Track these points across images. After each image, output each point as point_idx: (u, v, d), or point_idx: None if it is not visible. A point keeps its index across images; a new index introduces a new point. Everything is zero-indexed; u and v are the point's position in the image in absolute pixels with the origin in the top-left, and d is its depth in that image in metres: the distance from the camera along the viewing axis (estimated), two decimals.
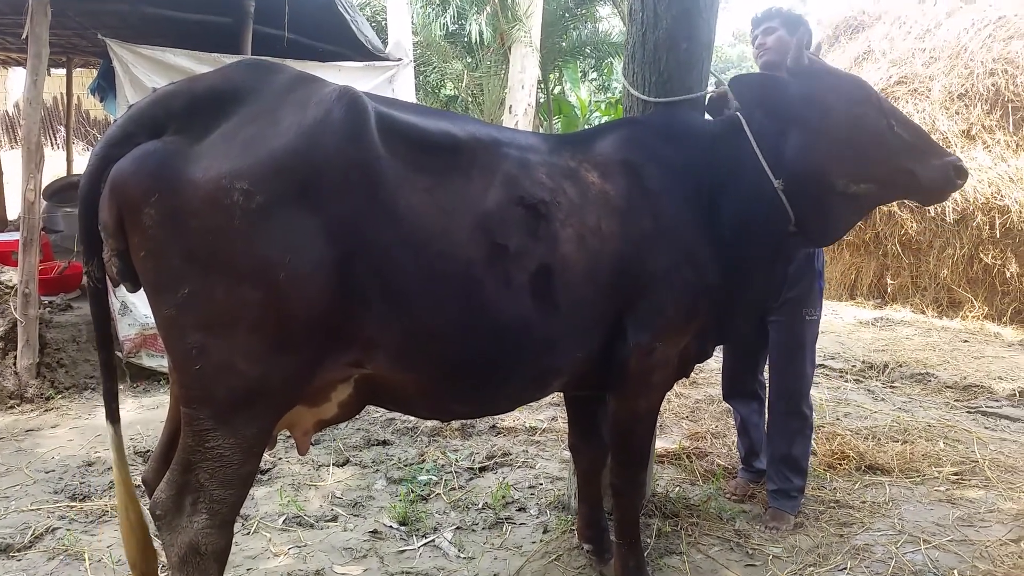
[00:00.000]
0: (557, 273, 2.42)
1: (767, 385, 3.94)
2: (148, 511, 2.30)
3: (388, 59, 7.19)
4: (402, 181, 2.21)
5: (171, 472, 2.22)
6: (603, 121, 13.01)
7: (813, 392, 5.31)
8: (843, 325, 8.00)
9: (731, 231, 2.72)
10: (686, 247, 2.67)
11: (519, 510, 3.74)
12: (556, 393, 5.15)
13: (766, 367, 4.02)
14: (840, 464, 4.25)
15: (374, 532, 3.50)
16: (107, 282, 2.21)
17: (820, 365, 6.38)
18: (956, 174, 2.71)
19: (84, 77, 12.87)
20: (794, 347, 3.63)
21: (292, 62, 5.87)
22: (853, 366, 6.38)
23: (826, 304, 8.86)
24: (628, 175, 2.66)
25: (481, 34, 13.92)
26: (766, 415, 3.92)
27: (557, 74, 18.32)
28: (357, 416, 4.72)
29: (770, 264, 2.89)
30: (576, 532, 3.36)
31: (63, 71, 10.51)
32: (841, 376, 6.15)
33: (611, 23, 18.33)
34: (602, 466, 3.23)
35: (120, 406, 4.93)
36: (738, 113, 2.82)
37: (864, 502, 3.85)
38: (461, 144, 2.39)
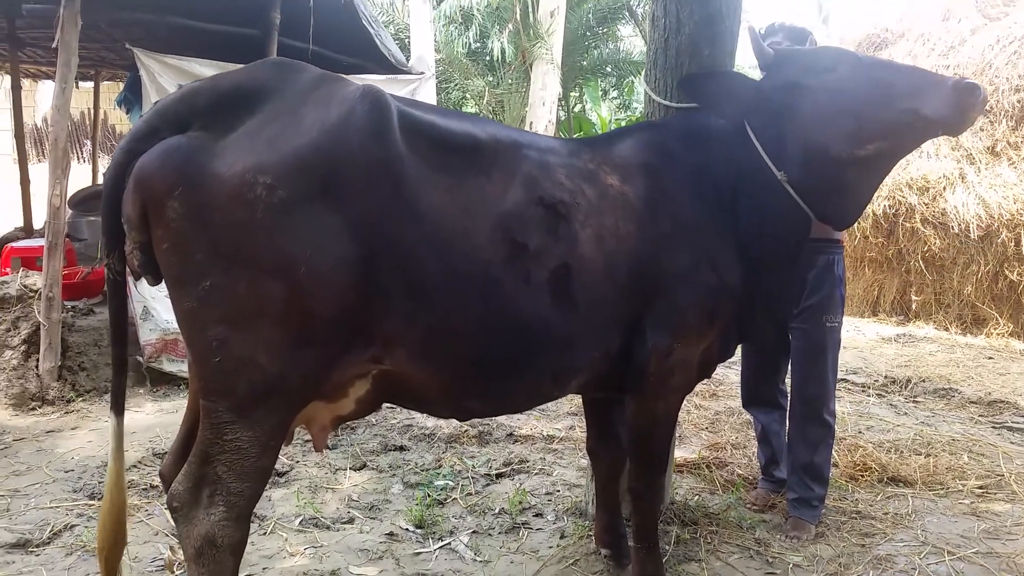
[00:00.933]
0: (576, 273, 2.43)
1: (788, 394, 3.91)
2: (165, 503, 2.31)
3: (411, 73, 7.25)
4: (424, 180, 2.23)
5: (189, 465, 2.23)
6: None
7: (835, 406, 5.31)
8: (865, 341, 7.91)
9: (749, 231, 2.73)
10: (705, 248, 2.67)
11: (536, 516, 3.71)
12: (574, 401, 5.18)
13: (787, 377, 3.99)
14: (862, 476, 4.19)
15: (390, 534, 3.49)
16: (127, 276, 2.23)
17: (842, 379, 6.30)
18: (965, 92, 2.49)
19: (111, 91, 13.09)
20: (815, 353, 3.59)
21: None
22: (875, 381, 6.31)
23: (848, 320, 8.81)
24: (647, 177, 2.67)
25: (503, 51, 14.02)
26: (787, 424, 3.88)
27: (578, 92, 18.41)
28: (373, 421, 4.79)
29: (790, 262, 2.89)
30: (594, 537, 3.34)
31: (91, 84, 10.67)
32: (863, 390, 6.07)
33: (632, 43, 18.41)
34: (620, 470, 3.21)
35: (140, 409, 5.00)
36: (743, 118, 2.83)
37: (887, 513, 3.79)
38: (482, 144, 2.41)
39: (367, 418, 4.88)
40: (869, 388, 6.12)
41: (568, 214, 2.44)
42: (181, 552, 3.19)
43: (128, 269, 2.19)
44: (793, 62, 2.78)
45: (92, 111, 10.66)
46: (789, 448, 3.74)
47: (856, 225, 8.81)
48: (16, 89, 8.42)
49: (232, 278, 2.03)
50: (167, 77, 5.59)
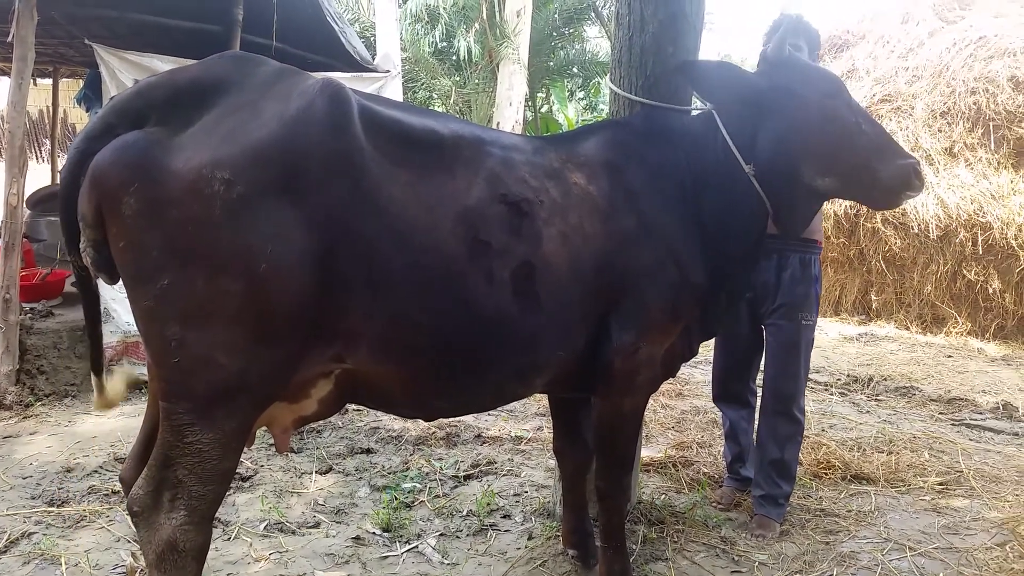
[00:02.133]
0: (540, 271, 2.42)
1: (758, 393, 3.94)
2: (126, 507, 2.26)
3: (376, 71, 7.20)
4: (385, 174, 2.20)
5: (149, 468, 2.18)
6: None
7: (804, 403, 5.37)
8: (828, 340, 8.02)
9: (713, 227, 2.76)
10: (669, 245, 2.68)
11: (504, 517, 3.70)
12: (542, 402, 5.18)
13: (759, 376, 4.03)
14: (826, 474, 4.25)
15: (357, 538, 3.45)
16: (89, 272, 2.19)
17: None
18: (915, 176, 2.72)
19: (70, 88, 12.84)
20: (789, 349, 3.64)
21: None
22: (838, 379, 6.40)
23: None
24: (611, 175, 2.68)
25: (469, 51, 13.99)
26: (755, 423, 3.92)
27: (544, 93, 18.44)
28: (340, 424, 4.74)
29: (751, 257, 2.96)
30: (561, 538, 3.34)
31: (49, 81, 10.46)
32: (826, 389, 6.16)
33: (598, 44, 18.49)
34: (587, 471, 3.21)
35: (100, 414, 4.90)
36: (712, 108, 2.86)
37: (850, 511, 3.84)
38: (444, 141, 2.39)
39: (333, 420, 4.84)
40: (832, 387, 6.21)
41: (532, 212, 2.43)
42: (143, 558, 3.13)
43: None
44: (802, 72, 2.83)
45: (51, 109, 10.41)
46: (757, 445, 3.78)
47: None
48: None
49: (189, 275, 1.99)
50: (127, 73, 5.49)
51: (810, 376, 6.35)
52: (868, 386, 6.20)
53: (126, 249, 2.00)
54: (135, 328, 5.37)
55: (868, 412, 5.58)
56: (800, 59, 2.90)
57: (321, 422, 4.79)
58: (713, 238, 2.78)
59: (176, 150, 1.98)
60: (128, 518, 3.48)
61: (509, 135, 2.73)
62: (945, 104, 8.39)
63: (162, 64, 5.60)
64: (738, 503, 3.90)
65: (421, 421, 4.85)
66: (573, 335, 2.57)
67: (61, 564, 3.17)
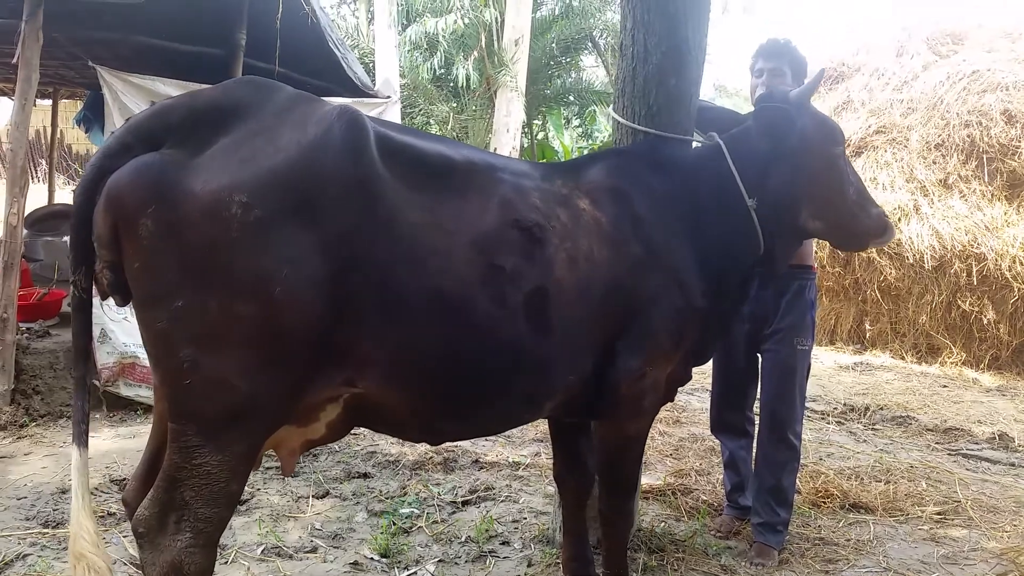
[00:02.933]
0: (551, 296, 2.43)
1: (756, 422, 3.95)
2: (124, 532, 2.24)
3: (377, 96, 7.26)
4: (400, 200, 2.22)
5: (155, 490, 2.16)
6: None
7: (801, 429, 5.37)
8: (823, 369, 8.03)
9: (711, 255, 2.81)
10: (674, 272, 2.71)
11: (503, 544, 3.68)
12: (539, 427, 5.17)
13: (755, 404, 4.05)
14: (824, 502, 4.24)
15: (355, 564, 3.43)
16: (92, 295, 2.18)
17: None
18: (888, 226, 3.12)
19: (68, 110, 12.88)
20: (786, 375, 3.65)
21: None
22: (835, 408, 6.41)
23: None
24: (618, 202, 2.71)
25: (468, 78, 14.12)
26: (754, 451, 3.92)
27: (541, 120, 18.59)
28: (336, 448, 4.72)
29: (743, 286, 3.05)
30: (561, 565, 3.31)
31: (48, 102, 10.49)
32: (823, 418, 6.16)
33: (594, 72, 18.72)
34: (587, 497, 3.20)
35: (97, 435, 4.87)
36: (719, 140, 2.93)
37: (849, 540, 3.83)
38: (457, 167, 2.42)
39: (329, 444, 4.81)
40: (828, 416, 6.22)
41: (543, 237, 2.45)
42: None
43: (96, 289, 2.15)
44: (815, 120, 3.01)
45: (49, 129, 10.44)
46: (756, 472, 3.78)
47: (814, 254, 8.99)
48: None
49: (204, 298, 1.99)
50: (130, 96, 5.52)
51: (807, 405, 6.36)
52: (864, 415, 6.21)
53: (141, 270, 2.00)
54: (132, 349, 5.37)
55: (865, 441, 5.59)
56: (816, 111, 3.07)
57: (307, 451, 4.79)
58: (710, 265, 2.82)
59: (194, 172, 1.99)
60: (123, 540, 3.48)
61: (518, 161, 2.77)
62: (939, 136, 8.49)
63: (164, 87, 5.65)
64: (737, 531, 3.89)
65: (418, 446, 4.84)
66: (582, 360, 2.58)
67: None
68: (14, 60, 4.93)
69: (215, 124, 2.10)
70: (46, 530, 3.67)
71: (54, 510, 3.89)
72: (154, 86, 5.59)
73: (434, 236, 2.26)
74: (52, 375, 5.40)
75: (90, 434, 4.79)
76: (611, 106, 3.38)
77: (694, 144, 3.03)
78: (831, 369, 8.07)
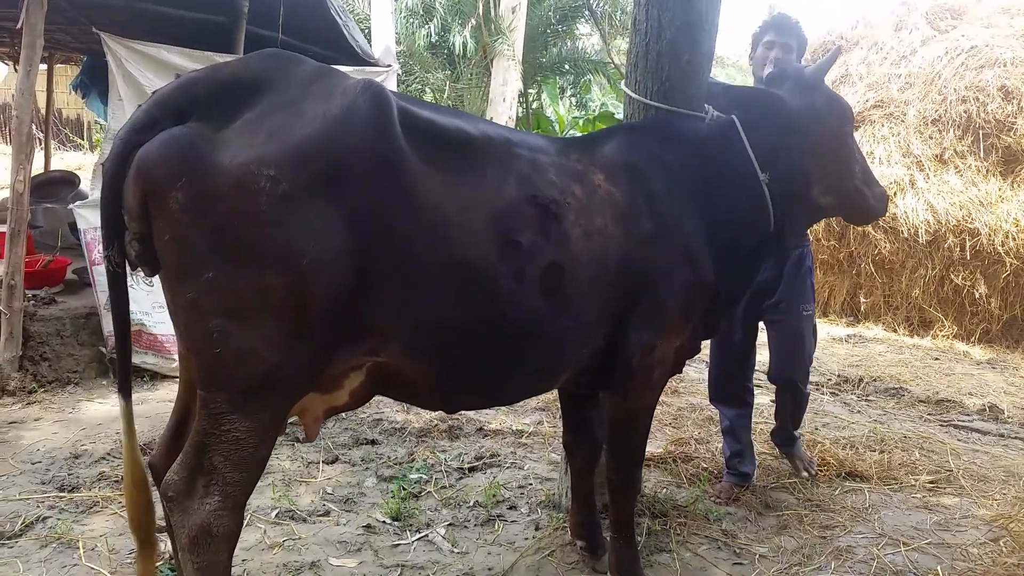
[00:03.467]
0: (566, 270, 2.49)
1: (754, 391, 4.09)
2: (159, 494, 2.32)
3: (378, 65, 7.25)
4: (422, 174, 2.26)
5: (184, 455, 2.23)
6: None
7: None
8: (817, 341, 8.14)
9: (722, 230, 2.87)
10: (686, 247, 2.77)
11: (510, 508, 3.78)
12: (541, 397, 5.26)
13: (752, 374, 4.17)
14: (821, 471, 4.35)
15: (367, 527, 3.52)
16: (126, 268, 2.22)
17: None
18: (886, 200, 3.34)
19: (62, 75, 12.76)
20: (797, 340, 4.00)
21: None
22: (829, 380, 6.52)
23: None
24: (632, 178, 2.76)
25: (464, 46, 14.03)
26: (751, 421, 4.07)
27: (536, 89, 18.50)
28: (343, 416, 4.80)
29: (753, 261, 3.12)
30: (569, 529, 3.42)
31: (45, 67, 10.39)
32: (817, 389, 6.27)
33: (589, 41, 18.57)
34: (595, 464, 3.30)
35: (105, 401, 4.94)
36: (734, 116, 2.98)
37: (845, 507, 3.95)
38: (475, 141, 2.46)
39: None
40: (823, 387, 6.33)
41: (560, 212, 2.51)
42: (160, 544, 3.19)
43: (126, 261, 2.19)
44: (828, 98, 3.14)
45: (45, 95, 10.36)
46: (776, 415, 4.24)
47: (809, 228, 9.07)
48: None
49: (233, 269, 2.03)
50: (134, 63, 5.50)
51: None
52: (858, 387, 6.33)
53: (171, 242, 2.04)
54: (137, 317, 5.42)
55: (859, 412, 5.71)
56: (830, 90, 3.17)
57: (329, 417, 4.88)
58: (721, 240, 2.88)
59: (222, 146, 2.02)
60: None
61: (534, 136, 2.80)
62: (936, 111, 8.54)
63: (168, 54, 5.64)
64: (737, 497, 4.00)
65: (424, 414, 4.92)
66: (594, 333, 2.65)
67: (79, 548, 3.23)
68: (18, 26, 4.91)
69: (240, 97, 2.12)
70: (62, 493, 3.75)
71: (68, 474, 3.96)
72: (159, 54, 5.57)
73: (453, 210, 2.30)
74: (59, 342, 5.45)
75: (99, 400, 4.90)
76: (623, 81, 3.41)
77: (708, 119, 3.06)
78: (825, 341, 8.16)
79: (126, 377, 2.36)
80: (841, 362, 7.21)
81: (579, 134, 17.67)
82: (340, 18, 6.85)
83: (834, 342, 8.11)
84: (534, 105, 18.83)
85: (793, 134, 2.96)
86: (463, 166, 2.39)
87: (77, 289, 6.11)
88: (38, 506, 3.60)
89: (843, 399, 6.05)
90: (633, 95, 3.26)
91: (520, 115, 16.61)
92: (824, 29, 10.53)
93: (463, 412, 5.00)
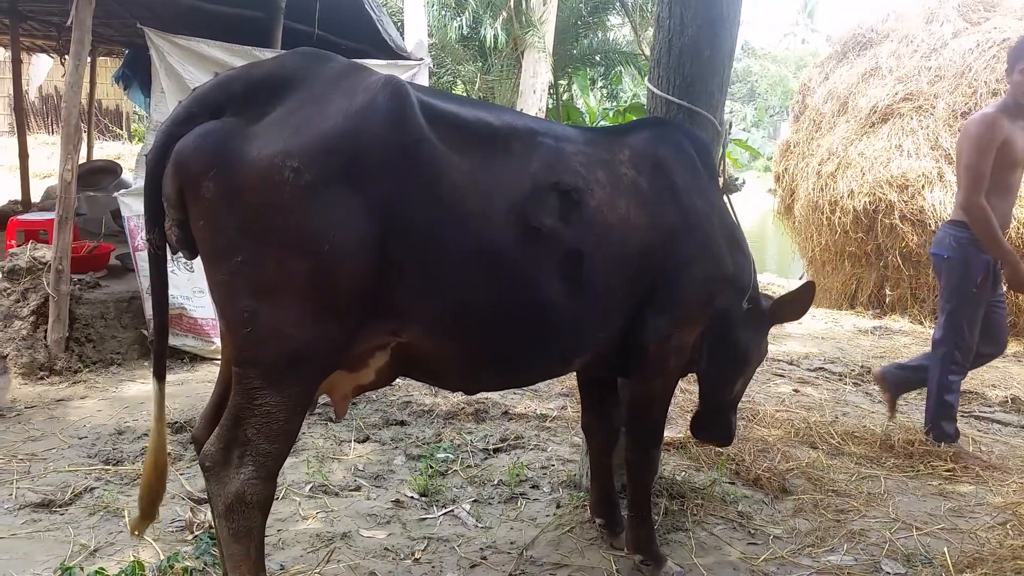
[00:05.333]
0: (586, 255, 2.60)
1: None
2: (198, 464, 2.48)
3: (410, 58, 7.40)
4: (443, 163, 2.37)
5: (220, 427, 2.38)
6: None
7: (813, 392, 5.58)
8: (843, 332, 8.19)
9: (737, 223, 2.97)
10: (708, 240, 2.89)
11: (533, 487, 3.93)
12: (565, 382, 5.40)
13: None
14: (839, 457, 4.44)
15: (396, 502, 3.69)
16: (167, 249, 2.37)
17: (820, 368, 6.60)
18: None
19: (103, 67, 13.08)
20: None
21: None
22: (852, 370, 6.57)
23: (826, 312, 9.11)
24: (657, 169, 2.87)
25: (495, 38, 14.15)
26: None
27: (567, 80, 18.56)
28: (374, 397, 4.97)
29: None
30: (588, 507, 3.56)
31: (88, 59, 10.69)
32: (840, 379, 6.33)
33: (620, 32, 18.59)
34: (613, 446, 3.43)
35: (146, 382, 5.15)
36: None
37: (861, 492, 4.04)
38: (498, 130, 2.56)
39: (368, 393, 5.08)
40: (846, 377, 6.38)
41: (582, 199, 2.61)
42: (200, 514, 3.38)
43: (167, 245, 2.35)
44: None
45: (89, 87, 10.66)
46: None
47: (836, 220, 9.10)
48: (16, 63, 8.46)
49: (261, 254, 2.18)
50: (176, 57, 5.70)
51: (824, 366, 6.62)
52: None
53: (205, 228, 2.20)
54: (178, 301, 5.64)
55: (880, 402, 5.75)
56: None
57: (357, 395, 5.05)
58: (737, 234, 3.00)
59: (251, 140, 2.16)
60: (179, 477, 3.76)
61: (559, 125, 2.92)
62: (967, 104, 8.50)
63: (208, 48, 5.83)
64: (757, 479, 4.10)
65: (451, 397, 5.09)
66: (612, 319, 2.77)
67: (124, 516, 3.42)
68: (68, 22, 5.12)
69: (271, 94, 2.26)
70: (108, 466, 3.96)
71: (113, 448, 4.18)
72: (199, 47, 5.77)
73: (474, 198, 2.42)
74: (103, 324, 5.69)
75: (140, 380, 5.11)
76: (647, 77, 3.52)
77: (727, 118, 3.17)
78: (850, 332, 8.22)
79: (161, 360, 2.52)
80: (866, 353, 7.25)
81: (609, 125, 17.72)
82: (374, 13, 7.01)
83: (860, 334, 8.14)
84: (564, 96, 18.90)
85: None
86: (486, 154, 2.49)
87: (120, 274, 6.36)
88: (86, 477, 3.81)
89: (865, 389, 6.11)
90: (655, 90, 3.37)
91: (551, 106, 16.71)
92: (855, 22, 10.46)
93: (489, 396, 5.16)
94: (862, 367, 6.63)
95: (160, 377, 2.50)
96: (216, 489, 2.37)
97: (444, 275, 2.39)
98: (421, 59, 7.45)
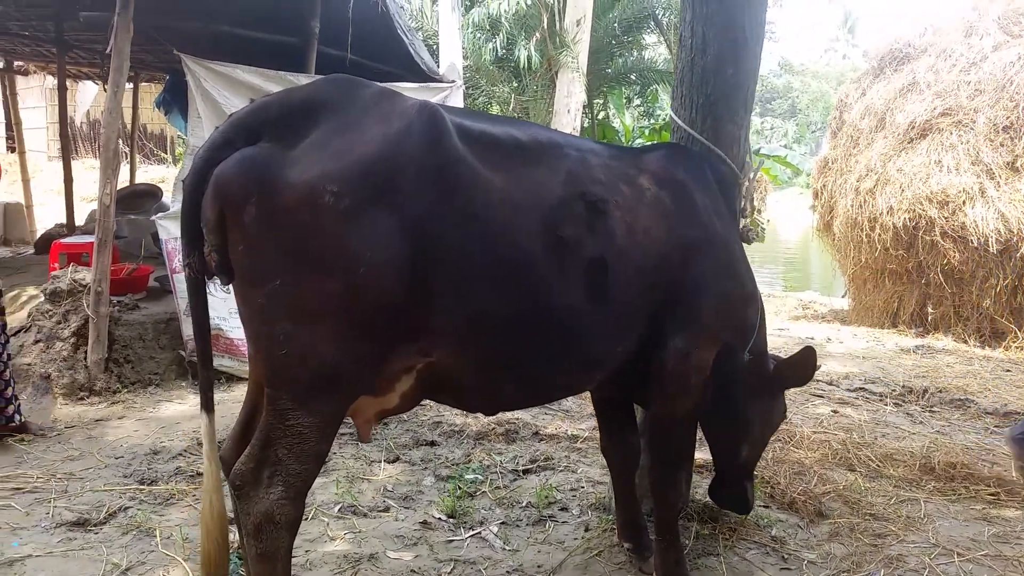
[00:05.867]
0: (609, 265, 2.62)
1: None
2: (227, 484, 2.50)
3: (443, 81, 7.47)
4: (479, 181, 2.41)
5: (251, 447, 2.41)
6: None
7: (852, 413, 5.47)
8: (884, 352, 8.02)
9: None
10: (730, 259, 2.88)
11: (561, 510, 3.90)
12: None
13: None
14: (877, 479, 4.34)
15: (424, 523, 3.68)
16: (205, 276, 2.40)
17: (860, 388, 6.46)
18: None
19: (147, 92, 13.42)
20: None
21: None
22: (893, 390, 6.42)
23: (867, 331, 8.92)
24: (680, 187, 2.89)
25: (529, 59, 14.23)
26: None
27: (602, 100, 18.58)
28: (405, 418, 4.98)
29: None
30: (616, 532, 3.51)
31: (130, 85, 10.97)
32: (881, 399, 6.20)
33: (656, 51, 18.57)
34: (634, 468, 3.38)
35: (183, 402, 5.22)
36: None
37: (900, 516, 3.93)
38: (526, 145, 2.60)
39: (399, 416, 5.09)
40: (886, 397, 6.24)
41: (607, 209, 2.64)
42: (234, 534, 3.40)
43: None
44: None
45: (132, 111, 10.94)
46: None
47: (876, 237, 8.94)
48: (62, 89, 8.70)
49: (299, 277, 2.22)
50: (212, 82, 5.82)
51: (865, 386, 6.49)
52: (923, 397, 6.22)
53: (244, 253, 2.24)
54: (215, 322, 5.71)
55: (922, 423, 5.63)
56: None
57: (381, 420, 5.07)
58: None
59: (291, 165, 2.20)
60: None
61: (584, 140, 2.96)
62: (1008, 118, 8.32)
63: (243, 74, 5.94)
64: (792, 502, 4.02)
65: (482, 418, 5.07)
66: (630, 331, 2.77)
67: (156, 536, 3.46)
68: (107, 50, 5.26)
69: (307, 119, 2.31)
70: (142, 486, 4.02)
71: (148, 468, 4.24)
72: (234, 73, 5.88)
73: (508, 213, 2.45)
74: (141, 345, 5.79)
75: (177, 401, 5.18)
76: (670, 104, 3.51)
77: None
78: (892, 352, 8.05)
79: (208, 391, 2.50)
80: (907, 373, 7.08)
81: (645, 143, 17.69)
82: (406, 37, 7.10)
83: (901, 353, 7.96)
84: (600, 116, 18.94)
85: None
86: (516, 169, 2.53)
87: (159, 296, 6.48)
88: (120, 497, 3.86)
89: (906, 410, 5.96)
90: (680, 123, 3.35)
91: (586, 126, 16.73)
92: (891, 37, 10.32)
93: (520, 416, 5.14)
94: (903, 387, 6.48)
95: (209, 409, 2.50)
96: (245, 508, 2.40)
97: (474, 291, 2.40)
98: (453, 81, 7.52)
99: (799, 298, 14.15)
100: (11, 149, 14.24)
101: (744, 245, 3.32)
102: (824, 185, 10.53)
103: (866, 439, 5.03)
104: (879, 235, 8.88)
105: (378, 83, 2.54)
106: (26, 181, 11.17)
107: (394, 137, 2.30)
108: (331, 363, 2.29)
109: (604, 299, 2.62)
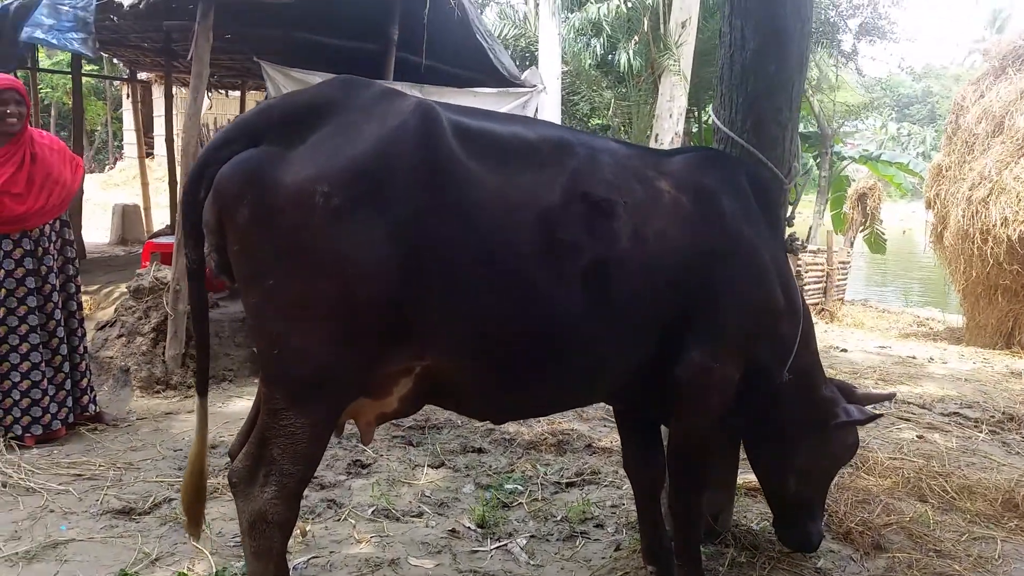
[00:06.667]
0: (612, 268, 2.50)
1: None
2: (227, 479, 2.53)
3: (523, 86, 7.44)
4: (475, 180, 2.35)
5: (249, 445, 2.46)
6: None
7: (939, 439, 5.08)
8: (991, 374, 7.44)
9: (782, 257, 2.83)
10: (753, 266, 2.70)
11: (596, 527, 3.76)
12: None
13: None
14: (948, 513, 3.99)
15: (452, 531, 3.63)
16: (202, 264, 2.43)
17: (954, 413, 6.00)
18: None
19: (255, 100, 14.05)
20: None
21: (431, 88, 6.23)
22: (991, 416, 5.92)
23: (976, 351, 8.31)
24: (704, 192, 2.75)
25: (631, 63, 14.04)
26: None
27: (709, 104, 18.15)
28: (458, 423, 4.94)
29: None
30: (641, 554, 3.35)
31: (238, 93, 11.48)
32: (976, 426, 5.72)
33: None
34: (658, 488, 3.20)
35: (252, 398, 5.34)
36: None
37: (969, 555, 3.59)
38: (533, 144, 2.52)
39: (453, 419, 5.07)
40: (982, 424, 5.76)
41: (612, 211, 2.51)
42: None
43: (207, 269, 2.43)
44: None
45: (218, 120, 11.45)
46: None
47: (988, 251, 8.32)
48: (168, 97, 9.19)
49: (291, 277, 2.22)
50: (290, 88, 5.99)
51: (960, 411, 6.02)
52: None
53: (239, 253, 2.27)
54: None
55: (1018, 454, 5.15)
56: None
57: (442, 420, 5.05)
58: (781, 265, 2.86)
59: (285, 165, 2.21)
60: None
61: (605, 139, 2.84)
62: None
63: (319, 80, 6.08)
64: (848, 533, 3.75)
65: (535, 426, 4.99)
66: (641, 339, 2.63)
67: None
68: (189, 58, 5.49)
69: (309, 120, 2.31)
70: None
71: None
72: (311, 79, 6.03)
73: (504, 212, 2.38)
74: (217, 342, 6.00)
75: (247, 397, 5.29)
76: (710, 105, 3.35)
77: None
78: (1000, 375, 7.45)
79: (204, 377, 2.59)
80: (1012, 398, 6.53)
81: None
82: (486, 42, 7.11)
83: (1010, 376, 7.37)
84: (707, 121, 18.50)
85: None
86: (518, 168, 2.45)
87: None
88: (168, 488, 3.99)
89: (1003, 438, 5.48)
90: (720, 126, 3.18)
91: (693, 131, 16.37)
92: (1015, 33, 9.59)
93: (575, 427, 5.03)
94: (1003, 414, 5.98)
95: (202, 393, 2.58)
96: (241, 506, 2.43)
97: (468, 292, 2.35)
98: (534, 86, 7.48)
99: (916, 315, 13.38)
100: (148, 156, 15.18)
101: (788, 255, 3.13)
102: (937, 194, 9.92)
103: (946, 468, 4.64)
104: (992, 248, 8.27)
105: (381, 83, 2.52)
106: (145, 184, 11.87)
107: (386, 136, 2.28)
108: (323, 364, 2.28)
109: (606, 305, 2.50)
